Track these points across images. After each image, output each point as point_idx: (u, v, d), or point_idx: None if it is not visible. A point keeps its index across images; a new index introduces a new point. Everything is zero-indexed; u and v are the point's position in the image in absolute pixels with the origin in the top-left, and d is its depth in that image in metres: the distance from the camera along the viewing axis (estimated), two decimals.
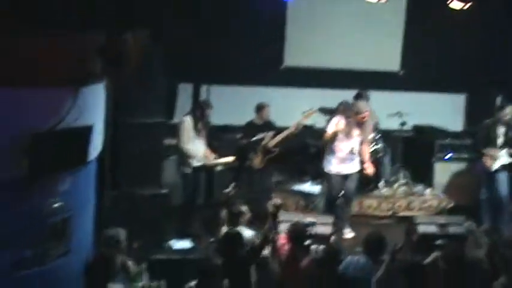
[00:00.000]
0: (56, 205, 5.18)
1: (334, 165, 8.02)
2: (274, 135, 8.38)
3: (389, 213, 8.92)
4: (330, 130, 7.92)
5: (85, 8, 5.05)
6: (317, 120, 9.12)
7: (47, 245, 5.18)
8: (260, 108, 8.41)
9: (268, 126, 8.47)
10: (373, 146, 8.98)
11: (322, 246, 7.14)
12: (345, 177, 8.08)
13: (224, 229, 6.57)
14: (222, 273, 5.51)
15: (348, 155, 7.97)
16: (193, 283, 5.52)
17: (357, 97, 8.97)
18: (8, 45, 4.68)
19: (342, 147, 7.94)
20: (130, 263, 5.85)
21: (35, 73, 4.88)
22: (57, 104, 5.07)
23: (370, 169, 8.19)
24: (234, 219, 6.57)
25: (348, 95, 8.99)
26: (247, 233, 6.52)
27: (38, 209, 5.10)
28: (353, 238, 7.93)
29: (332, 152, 8.00)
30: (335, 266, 5.80)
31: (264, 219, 7.55)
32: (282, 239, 6.31)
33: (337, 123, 7.91)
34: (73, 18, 5.00)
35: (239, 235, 6.01)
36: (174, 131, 7.96)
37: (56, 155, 4.98)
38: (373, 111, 9.48)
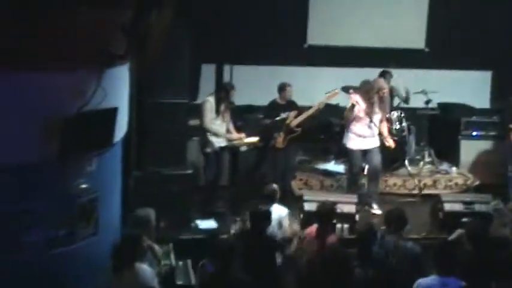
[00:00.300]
0: (83, 186, 5.24)
1: (354, 141, 8.02)
2: (297, 115, 8.35)
3: (415, 191, 8.87)
4: (349, 107, 7.91)
5: None
6: (341, 99, 9.05)
7: (76, 225, 5.27)
8: (282, 87, 8.38)
9: (290, 105, 8.43)
10: (398, 125, 8.91)
11: (346, 225, 7.17)
12: (366, 152, 8.06)
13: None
14: (242, 254, 5.54)
15: (368, 130, 7.96)
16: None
17: (381, 75, 8.92)
18: (30, 28, 4.70)
19: (362, 122, 7.93)
20: (156, 245, 5.90)
21: (58, 55, 4.90)
22: (82, 86, 5.10)
23: (390, 142, 8.16)
24: (268, 197, 6.59)
25: (372, 73, 8.91)
26: (282, 210, 6.53)
27: (67, 190, 5.17)
28: (380, 215, 7.92)
29: (352, 128, 8.00)
30: (367, 245, 5.79)
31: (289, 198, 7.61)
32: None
33: (356, 100, 7.89)
34: None
35: (268, 213, 6.03)
36: (198, 111, 7.97)
37: (82, 137, 5.03)
38: (397, 89, 9.44)
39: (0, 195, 4.86)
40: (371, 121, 7.91)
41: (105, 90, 5.19)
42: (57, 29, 4.83)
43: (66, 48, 4.92)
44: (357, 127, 7.99)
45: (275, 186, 6.83)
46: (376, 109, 7.99)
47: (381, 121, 8.13)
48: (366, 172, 8.29)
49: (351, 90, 8.15)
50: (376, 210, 8.06)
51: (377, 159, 8.08)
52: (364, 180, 8.43)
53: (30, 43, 4.71)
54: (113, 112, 5.29)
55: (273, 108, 8.44)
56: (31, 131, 4.86)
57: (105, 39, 5.19)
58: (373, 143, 8.06)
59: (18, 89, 4.79)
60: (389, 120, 8.78)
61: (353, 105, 7.86)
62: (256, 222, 5.96)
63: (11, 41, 4.65)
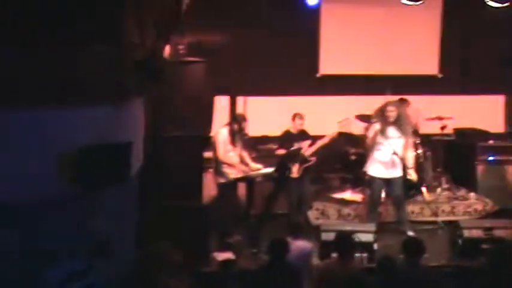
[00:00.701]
0: (99, 220, 5.24)
1: (377, 169, 7.99)
2: (311, 145, 8.34)
3: (433, 218, 8.78)
4: (369, 134, 7.92)
5: (122, 21, 5.12)
6: (355, 128, 9.04)
7: (94, 260, 5.25)
8: (296, 117, 8.39)
9: (303, 135, 8.43)
10: (414, 152, 8.87)
11: (365, 254, 7.10)
12: (388, 182, 8.02)
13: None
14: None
15: (389, 158, 7.92)
16: None
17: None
18: (47, 65, 4.77)
19: (383, 150, 7.90)
20: (173, 279, 5.87)
21: (74, 91, 4.96)
22: (98, 121, 5.14)
23: (413, 175, 8.14)
24: (293, 231, 6.56)
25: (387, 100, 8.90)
26: (307, 245, 6.50)
27: (84, 225, 5.17)
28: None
29: (373, 155, 7.98)
30: (388, 274, 5.72)
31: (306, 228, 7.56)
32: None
33: (373, 127, 7.90)
34: (110, 33, 5.07)
35: (285, 242, 6.00)
36: (212, 143, 7.98)
37: (98, 172, 5.05)
38: (410, 116, 9.40)
39: (20, 233, 4.87)
40: (392, 148, 7.88)
41: (120, 125, 5.23)
42: (73, 66, 4.91)
43: (82, 84, 4.99)
44: (378, 154, 7.96)
45: (300, 219, 6.80)
46: (395, 133, 7.96)
47: (404, 148, 8.08)
48: (388, 200, 8.25)
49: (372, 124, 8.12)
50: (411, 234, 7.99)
51: (400, 187, 8.05)
52: (382, 209, 8.39)
53: (46, 80, 4.78)
54: (128, 146, 5.32)
55: (287, 138, 8.44)
56: (48, 167, 4.90)
57: (119, 74, 5.25)
58: (395, 172, 8.02)
59: (34, 125, 4.85)
60: (415, 147, 8.74)
61: (371, 133, 7.87)
62: (274, 251, 5.91)
63: (29, 78, 4.72)
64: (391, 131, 7.97)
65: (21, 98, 4.71)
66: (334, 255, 6.13)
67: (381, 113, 7.95)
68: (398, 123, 8.02)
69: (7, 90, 4.68)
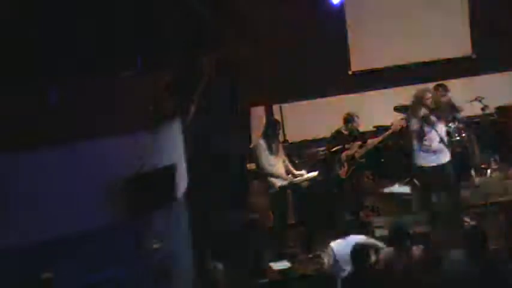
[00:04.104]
0: (156, 245, 5.30)
1: (425, 158, 7.87)
2: (361, 145, 8.26)
3: (486, 201, 8.61)
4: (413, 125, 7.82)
5: (150, 46, 5.20)
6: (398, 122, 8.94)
7: (154, 286, 5.32)
8: (349, 118, 8.31)
9: (355, 136, 8.35)
10: (458, 136, 8.73)
11: (420, 246, 7.00)
12: (438, 169, 7.88)
13: (336, 243, 6.53)
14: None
15: (437, 144, 7.81)
16: None
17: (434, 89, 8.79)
18: (81, 96, 4.88)
19: (429, 138, 7.80)
20: None
21: (111, 120, 5.05)
22: (138, 147, 5.22)
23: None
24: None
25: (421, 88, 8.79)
26: (360, 239, 6.48)
27: (141, 252, 5.24)
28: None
29: (422, 146, 7.86)
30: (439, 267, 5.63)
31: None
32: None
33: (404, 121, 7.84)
34: (140, 59, 5.16)
35: (364, 247, 5.98)
36: (253, 155, 8.01)
37: (146, 197, 5.13)
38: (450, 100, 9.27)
39: (81, 266, 4.96)
40: (438, 133, 7.78)
41: (161, 149, 5.30)
42: (107, 95, 4.99)
43: (118, 112, 5.07)
44: (425, 144, 7.84)
45: (347, 217, 6.76)
46: (437, 118, 7.85)
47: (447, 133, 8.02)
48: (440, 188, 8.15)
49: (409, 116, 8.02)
50: (470, 222, 7.85)
51: (451, 173, 7.92)
52: (435, 198, 8.27)
53: (83, 112, 4.88)
54: (172, 169, 5.38)
55: (337, 138, 8.38)
56: (97, 197, 4.99)
57: (153, 99, 5.33)
58: (444, 158, 7.90)
59: (78, 157, 4.95)
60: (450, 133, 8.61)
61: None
62: (359, 260, 5.87)
63: (66, 111, 4.83)
64: (433, 117, 7.84)
65: (59, 133, 4.82)
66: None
67: (420, 101, 7.83)
68: (439, 108, 7.91)
69: (45, 129, 4.79)
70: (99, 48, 4.95)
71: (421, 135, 7.78)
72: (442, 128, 7.90)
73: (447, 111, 8.37)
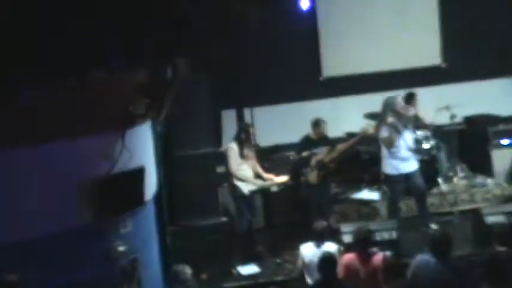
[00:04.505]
0: (121, 248, 5.25)
1: (394, 166, 7.94)
2: (330, 150, 8.28)
3: (453, 209, 8.73)
4: (383, 134, 7.87)
5: (123, 48, 5.14)
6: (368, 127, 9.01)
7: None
8: (317, 124, 8.33)
9: (324, 141, 8.37)
10: (426, 144, 8.82)
11: (388, 252, 7.06)
12: (407, 177, 7.97)
13: (305, 247, 6.53)
14: None
15: (406, 153, 7.89)
16: None
17: (405, 97, 8.87)
18: (52, 98, 4.81)
19: (398, 146, 7.87)
20: None
21: (81, 121, 4.99)
22: (108, 149, 5.16)
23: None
24: (318, 236, 6.52)
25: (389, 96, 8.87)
26: (332, 247, 6.48)
27: (106, 253, 5.18)
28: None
29: (389, 154, 7.93)
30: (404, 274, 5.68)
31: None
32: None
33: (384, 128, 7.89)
34: (111, 59, 5.10)
35: (333, 255, 5.97)
36: (223, 158, 7.98)
37: (113, 199, 5.07)
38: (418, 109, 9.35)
39: (47, 268, 4.88)
40: (406, 142, 7.86)
41: (131, 151, 5.24)
42: (77, 96, 4.93)
43: (88, 113, 5.01)
44: (393, 152, 7.91)
45: (323, 223, 6.76)
46: (406, 127, 7.92)
47: (415, 138, 8.10)
48: (408, 195, 8.23)
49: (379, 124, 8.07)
50: (436, 228, 7.93)
51: (420, 180, 8.01)
52: (402, 205, 8.35)
53: (53, 112, 4.81)
54: (141, 171, 5.33)
55: (306, 144, 8.40)
56: (64, 198, 4.92)
57: (124, 100, 5.27)
58: (412, 166, 7.98)
59: (47, 158, 4.88)
60: (418, 141, 8.70)
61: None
62: (326, 268, 5.86)
63: (36, 113, 4.75)
64: (401, 125, 7.92)
65: (29, 135, 4.74)
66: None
67: (390, 109, 7.90)
68: (406, 117, 7.98)
69: (15, 129, 4.71)
70: (70, 48, 4.89)
71: (390, 143, 7.85)
72: (409, 136, 7.98)
73: (415, 119, 8.47)
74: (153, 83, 5.50)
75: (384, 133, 7.86)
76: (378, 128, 8.02)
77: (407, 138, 7.95)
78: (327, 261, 5.79)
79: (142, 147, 5.75)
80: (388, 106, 7.93)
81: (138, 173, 5.30)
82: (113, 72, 5.17)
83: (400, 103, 7.96)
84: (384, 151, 7.97)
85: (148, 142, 6.04)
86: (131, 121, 5.42)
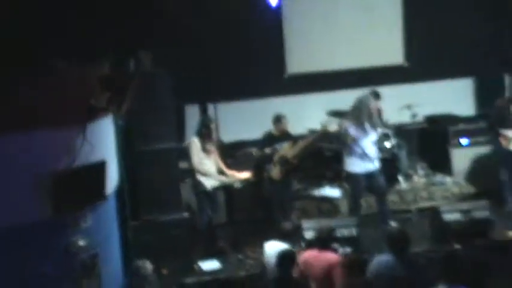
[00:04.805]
0: (81, 243, 5.20)
1: (356, 164, 8.02)
2: (292, 146, 8.34)
3: (412, 206, 8.87)
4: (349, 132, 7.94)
5: (84, 39, 5.08)
6: (328, 124, 9.08)
7: (79, 283, 5.21)
8: (278, 119, 8.38)
9: (285, 137, 8.43)
10: (387, 142, 8.93)
11: (348, 249, 7.14)
12: (368, 175, 8.06)
13: (269, 245, 6.57)
14: None
15: (368, 153, 7.97)
16: None
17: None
18: (11, 89, 4.73)
19: (360, 145, 7.95)
20: None
21: (42, 113, 4.92)
22: (68, 142, 5.11)
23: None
24: (284, 236, 6.58)
25: (355, 95, 8.95)
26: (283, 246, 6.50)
27: (66, 248, 5.13)
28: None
29: (351, 152, 8.01)
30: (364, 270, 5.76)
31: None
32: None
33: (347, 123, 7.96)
34: (73, 51, 5.04)
35: (293, 254, 5.99)
36: (186, 153, 7.97)
37: (74, 193, 5.02)
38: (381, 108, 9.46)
39: (6, 261, 4.81)
40: (369, 141, 7.95)
41: (92, 144, 5.20)
42: (38, 88, 4.86)
43: (49, 105, 4.95)
44: (356, 150, 7.98)
45: (290, 225, 6.81)
46: (369, 126, 8.00)
47: (377, 139, 8.18)
48: (369, 193, 8.32)
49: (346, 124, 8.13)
50: (395, 225, 8.02)
51: (380, 179, 8.11)
52: (362, 202, 8.45)
53: (12, 103, 4.74)
54: (102, 165, 5.29)
55: (268, 140, 8.43)
56: (23, 191, 4.86)
57: (86, 93, 5.22)
58: (374, 165, 8.07)
59: (6, 150, 4.80)
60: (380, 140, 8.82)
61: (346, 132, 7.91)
62: (283, 265, 5.89)
63: None
64: (369, 125, 8.00)
65: None
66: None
67: (362, 108, 7.96)
68: (370, 116, 8.06)
69: None
70: (31, 38, 4.81)
71: (354, 141, 7.93)
72: (373, 135, 8.08)
73: (379, 118, 8.56)
74: (115, 76, 5.45)
75: (350, 131, 7.93)
76: (343, 125, 8.08)
77: (371, 137, 8.04)
78: (285, 259, 5.84)
79: (103, 141, 5.70)
80: (363, 104, 7.97)
81: (99, 167, 5.25)
82: (75, 64, 5.10)
83: (371, 103, 8.03)
84: (347, 149, 8.05)
85: (109, 136, 5.99)
86: (93, 114, 5.37)
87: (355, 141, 7.91)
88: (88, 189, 5.15)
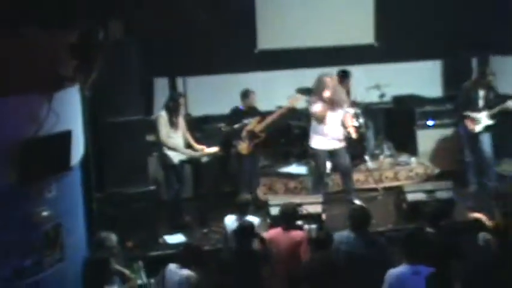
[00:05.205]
0: (45, 213, 5.13)
1: (320, 141, 8.08)
2: (260, 121, 8.35)
3: (377, 185, 8.98)
4: (316, 108, 7.95)
5: (54, 5, 4.97)
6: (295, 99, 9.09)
7: (42, 253, 5.15)
8: (245, 94, 8.37)
9: (253, 112, 8.43)
10: (355, 121, 8.99)
11: (314, 226, 7.20)
12: (333, 153, 8.13)
13: (229, 218, 6.58)
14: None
15: (332, 131, 8.02)
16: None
17: (339, 74, 8.98)
18: None
19: (325, 122, 7.99)
20: (122, 267, 5.86)
21: (6, 79, 4.81)
22: (33, 110, 5.01)
23: (353, 134, 8.22)
24: (242, 208, 6.57)
25: (326, 72, 8.97)
26: (254, 220, 6.52)
27: (29, 217, 5.06)
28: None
29: (316, 129, 8.06)
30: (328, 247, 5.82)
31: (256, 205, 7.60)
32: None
33: (314, 102, 7.98)
34: (41, 17, 4.92)
35: (252, 226, 6.01)
36: (153, 126, 7.91)
37: (38, 163, 4.93)
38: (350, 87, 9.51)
39: None
40: (335, 118, 7.98)
41: (58, 113, 5.10)
42: (4, 52, 4.74)
43: (14, 71, 4.83)
44: (321, 127, 8.03)
45: (247, 196, 6.83)
46: (336, 107, 8.04)
47: (345, 118, 8.21)
48: (335, 171, 8.38)
49: (313, 99, 8.15)
50: (359, 203, 8.11)
51: (345, 157, 8.17)
52: (328, 180, 8.52)
53: None
54: (67, 135, 5.20)
55: (236, 115, 8.42)
56: None
57: (53, 60, 5.11)
58: (338, 143, 8.13)
59: None
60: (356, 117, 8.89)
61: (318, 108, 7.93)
62: (243, 237, 5.90)
63: None
64: (336, 103, 8.03)
65: None
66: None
67: (323, 85, 7.99)
68: (338, 94, 8.10)
69: None
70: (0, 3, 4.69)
71: (321, 118, 7.97)
72: (340, 114, 8.12)
73: (347, 96, 8.61)
74: (83, 44, 5.33)
75: (317, 108, 7.96)
76: (310, 103, 8.11)
77: (338, 115, 8.09)
78: (243, 231, 5.87)
79: (69, 111, 5.58)
80: (322, 83, 8.01)
81: (65, 137, 5.16)
82: (43, 31, 4.99)
83: (332, 80, 8.06)
84: (313, 126, 8.10)
85: (76, 106, 5.87)
86: (59, 83, 5.26)
87: (319, 118, 7.96)
88: (53, 159, 5.06)
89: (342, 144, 8.15)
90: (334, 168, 8.48)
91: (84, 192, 6.16)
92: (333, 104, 7.96)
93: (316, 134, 8.11)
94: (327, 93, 7.90)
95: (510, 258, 4.96)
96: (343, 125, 8.18)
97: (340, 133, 8.13)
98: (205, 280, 5.66)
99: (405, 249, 5.25)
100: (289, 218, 6.30)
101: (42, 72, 5.00)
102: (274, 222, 6.88)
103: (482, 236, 5.78)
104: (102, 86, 6.66)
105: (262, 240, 6.11)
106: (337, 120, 8.08)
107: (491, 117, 8.54)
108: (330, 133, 8.04)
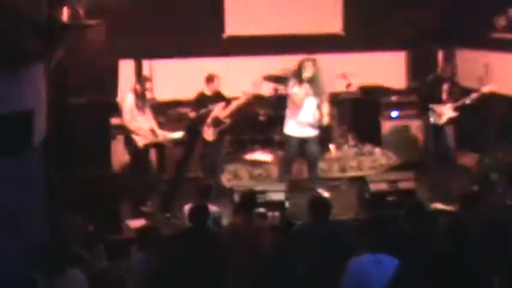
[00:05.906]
0: (4, 193, 5.03)
1: (293, 128, 8.09)
2: (225, 106, 8.32)
3: (341, 174, 9.04)
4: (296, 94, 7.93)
5: None
6: (264, 89, 9.09)
7: (1, 235, 5.06)
8: (210, 79, 8.32)
9: (218, 97, 8.39)
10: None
11: (276, 213, 7.23)
12: (304, 141, 8.15)
13: (189, 207, 6.54)
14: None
15: (305, 118, 8.03)
16: None
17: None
18: None
19: (299, 109, 7.99)
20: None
21: None
22: None
23: (325, 120, 8.25)
24: (203, 194, 6.53)
25: (293, 60, 8.97)
26: (212, 208, 6.49)
27: None
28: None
29: (290, 115, 8.06)
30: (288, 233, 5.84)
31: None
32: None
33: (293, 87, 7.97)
34: None
35: (206, 208, 5.98)
36: (119, 109, 7.81)
37: None
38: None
39: None
40: (310, 106, 7.99)
41: (20, 93, 5.00)
42: None
43: None
44: (296, 114, 8.04)
45: (209, 182, 6.80)
46: (312, 91, 8.03)
47: (318, 106, 8.20)
48: (300, 158, 8.40)
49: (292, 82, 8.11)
50: (324, 193, 8.15)
51: (315, 147, 8.20)
52: (293, 168, 8.55)
53: None
54: (29, 114, 5.11)
55: (201, 100, 8.37)
56: None
57: (17, 38, 5.00)
58: (312, 131, 8.14)
59: None
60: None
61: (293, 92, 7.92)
62: (196, 218, 5.88)
63: None
64: (308, 89, 8.04)
65: None
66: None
67: (299, 72, 7.98)
68: (314, 81, 8.09)
69: None
70: None
71: (299, 102, 7.97)
72: (313, 102, 8.13)
73: (322, 83, 8.61)
74: (48, 24, 5.23)
75: (296, 91, 7.95)
76: (290, 85, 8.08)
77: (311, 103, 8.10)
78: (196, 214, 5.84)
79: (32, 91, 5.48)
80: (305, 66, 7.98)
81: (27, 116, 5.07)
82: (7, 10, 4.87)
83: (310, 66, 8.03)
84: (289, 112, 8.11)
85: (39, 86, 5.77)
86: (22, 62, 5.15)
87: (297, 101, 7.97)
88: (14, 138, 4.96)
89: (315, 132, 8.17)
90: (301, 154, 8.48)
91: (45, 174, 6.06)
92: (309, 91, 7.96)
93: (291, 119, 8.12)
94: (307, 74, 7.88)
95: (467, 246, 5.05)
96: (319, 112, 8.16)
97: (316, 120, 8.14)
98: (161, 263, 5.60)
99: (367, 238, 5.28)
100: (248, 205, 6.27)
101: (5, 50, 4.89)
102: (236, 209, 6.87)
103: (443, 225, 5.86)
104: (66, 68, 6.58)
105: (216, 221, 6.11)
106: (313, 106, 8.09)
107: (455, 109, 8.65)
108: (305, 119, 8.05)
